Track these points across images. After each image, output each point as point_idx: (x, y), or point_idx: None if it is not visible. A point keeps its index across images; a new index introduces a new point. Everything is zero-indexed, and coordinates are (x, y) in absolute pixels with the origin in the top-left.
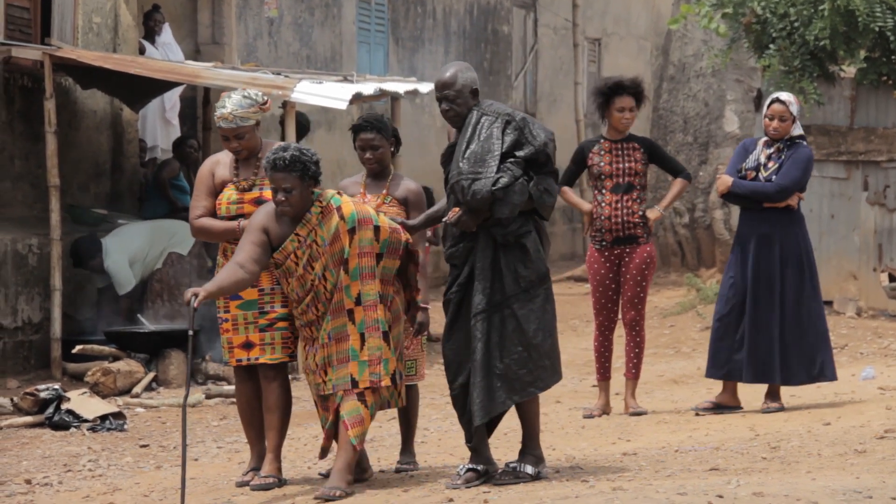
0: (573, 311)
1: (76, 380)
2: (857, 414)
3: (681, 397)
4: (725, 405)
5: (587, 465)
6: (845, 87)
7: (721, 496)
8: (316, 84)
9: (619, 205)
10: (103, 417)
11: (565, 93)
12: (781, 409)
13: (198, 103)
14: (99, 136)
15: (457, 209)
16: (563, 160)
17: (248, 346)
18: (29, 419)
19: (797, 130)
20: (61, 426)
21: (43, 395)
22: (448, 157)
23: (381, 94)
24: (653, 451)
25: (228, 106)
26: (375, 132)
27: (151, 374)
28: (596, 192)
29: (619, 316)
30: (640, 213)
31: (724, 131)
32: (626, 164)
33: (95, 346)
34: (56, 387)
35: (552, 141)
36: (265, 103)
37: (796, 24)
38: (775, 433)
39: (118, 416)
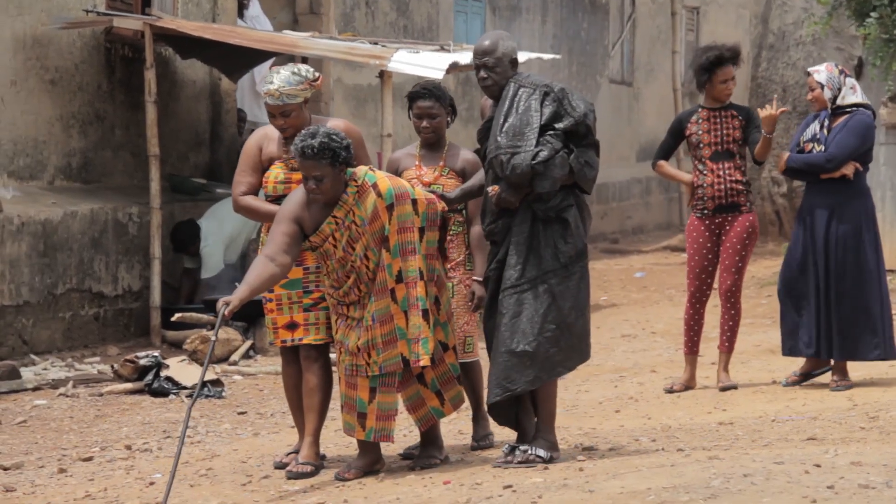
0: (669, 280)
1: (175, 347)
2: None
3: (778, 367)
4: (811, 372)
5: (683, 435)
6: None
7: (818, 465)
8: (413, 53)
9: (722, 172)
10: (202, 385)
11: (663, 62)
12: (850, 386)
13: None
14: (198, 105)
15: (496, 187)
16: (663, 130)
17: (292, 326)
18: (129, 386)
19: (851, 98)
20: (160, 393)
21: (142, 362)
22: (485, 133)
23: None
24: (749, 420)
25: (276, 82)
26: (434, 100)
27: (249, 342)
28: (696, 161)
29: (717, 286)
30: (744, 180)
31: None
32: (724, 132)
33: (194, 314)
34: (155, 354)
35: (592, 112)
36: (316, 80)
37: None
38: (874, 403)
39: (216, 383)
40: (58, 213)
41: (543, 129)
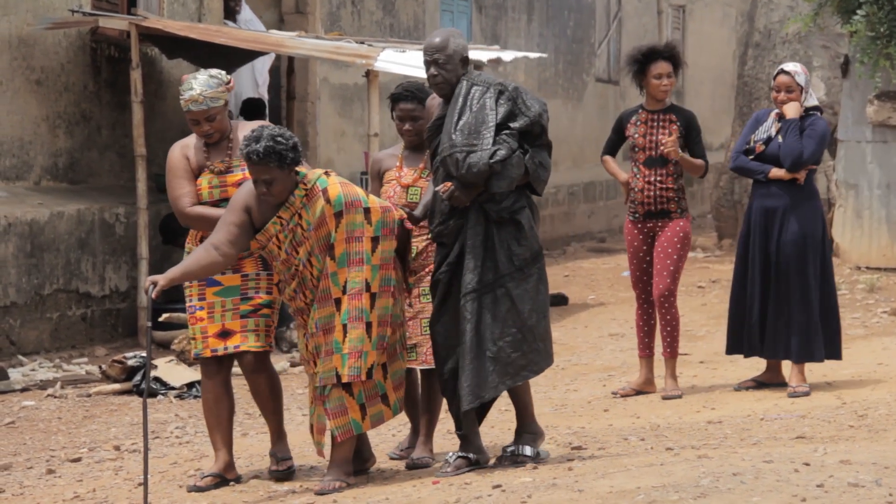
0: None
1: (163, 348)
2: None
3: (762, 367)
4: (769, 383)
5: (672, 434)
6: None
7: (808, 464)
8: (399, 53)
9: (653, 178)
10: (190, 385)
11: None
12: (808, 392)
13: (281, 73)
14: None
15: (448, 184)
16: None
17: (224, 334)
18: (117, 386)
19: (811, 101)
20: (148, 393)
21: (130, 362)
22: (435, 132)
23: None
24: (738, 419)
25: (196, 87)
26: (416, 102)
27: None
28: (632, 163)
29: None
30: (675, 187)
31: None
32: (660, 137)
33: (182, 315)
34: (143, 354)
35: (546, 112)
36: (229, 82)
37: None
38: (862, 401)
39: None
40: (44, 213)
41: (499, 128)
